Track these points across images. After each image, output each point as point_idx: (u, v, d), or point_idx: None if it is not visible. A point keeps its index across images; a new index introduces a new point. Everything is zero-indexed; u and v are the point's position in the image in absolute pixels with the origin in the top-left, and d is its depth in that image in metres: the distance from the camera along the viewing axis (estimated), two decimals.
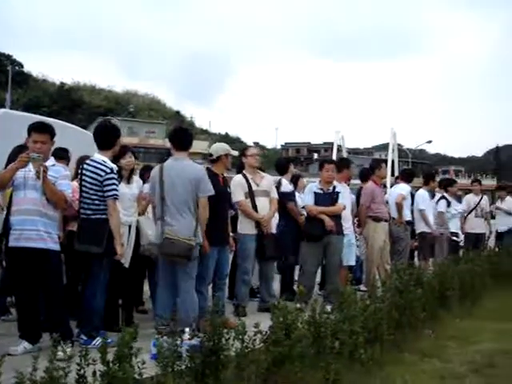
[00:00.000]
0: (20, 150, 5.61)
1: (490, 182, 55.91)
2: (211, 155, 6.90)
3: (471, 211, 12.39)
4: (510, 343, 6.01)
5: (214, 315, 4.04)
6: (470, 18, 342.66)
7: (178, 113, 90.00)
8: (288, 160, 9.21)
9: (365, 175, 9.82)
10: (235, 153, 7.16)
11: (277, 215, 8.01)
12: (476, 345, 5.94)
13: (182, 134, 6.21)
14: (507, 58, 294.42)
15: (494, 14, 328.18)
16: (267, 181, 7.61)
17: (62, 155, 6.27)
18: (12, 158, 5.69)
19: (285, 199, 8.39)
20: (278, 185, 8.50)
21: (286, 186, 8.48)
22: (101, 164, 5.52)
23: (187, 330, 4.72)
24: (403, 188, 9.91)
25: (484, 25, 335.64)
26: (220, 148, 6.97)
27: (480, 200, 12.58)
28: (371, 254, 8.99)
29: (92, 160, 5.62)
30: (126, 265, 5.98)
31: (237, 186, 7.25)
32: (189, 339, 4.15)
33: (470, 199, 12.66)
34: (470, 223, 12.32)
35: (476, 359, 5.39)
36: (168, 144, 6.34)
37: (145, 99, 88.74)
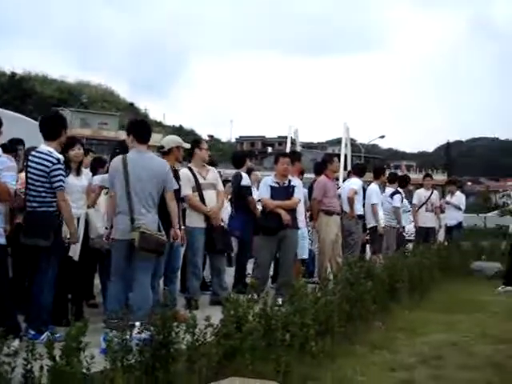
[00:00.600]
0: None
1: (440, 177, 57.01)
2: (162, 147, 6.84)
3: (422, 205, 12.59)
4: (457, 335, 6.16)
5: (164, 308, 4.01)
6: (425, 16, 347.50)
7: (131, 104, 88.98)
8: (244, 154, 9.22)
9: (319, 169, 9.90)
10: (187, 145, 7.08)
11: (229, 207, 7.99)
12: (424, 336, 6.05)
13: (142, 126, 6.09)
14: (459, 57, 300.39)
15: (449, 13, 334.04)
16: (213, 174, 7.59)
17: (11, 147, 6.13)
18: None
19: (245, 193, 8.42)
20: (239, 178, 8.50)
21: (246, 180, 8.49)
22: (47, 155, 5.39)
23: (138, 324, 4.66)
24: (355, 183, 10.01)
25: (438, 23, 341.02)
26: (171, 140, 6.92)
27: (430, 195, 12.79)
28: (323, 247, 9.07)
29: (38, 151, 5.49)
30: (75, 258, 5.88)
31: (184, 179, 7.18)
32: (138, 333, 4.09)
33: (421, 194, 12.85)
34: (420, 217, 12.52)
35: (424, 351, 5.49)
36: (121, 136, 6.24)
37: (98, 90, 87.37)
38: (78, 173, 6.15)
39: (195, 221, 7.34)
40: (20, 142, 6.50)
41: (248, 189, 8.47)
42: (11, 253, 5.93)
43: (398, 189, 11.34)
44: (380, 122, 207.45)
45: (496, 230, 21.03)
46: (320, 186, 9.23)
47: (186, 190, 7.20)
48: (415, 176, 41.99)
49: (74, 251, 5.82)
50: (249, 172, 9.33)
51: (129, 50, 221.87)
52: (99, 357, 3.60)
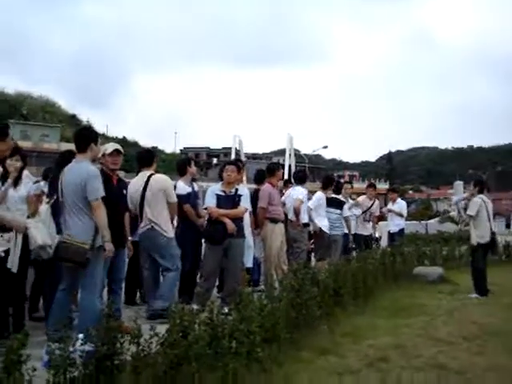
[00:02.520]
0: None
1: (383, 186, 58.09)
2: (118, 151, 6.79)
3: (362, 213, 12.79)
4: (402, 338, 6.26)
5: (108, 320, 3.94)
6: (366, 30, 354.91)
7: (73, 116, 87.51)
8: (185, 161, 9.05)
9: (260, 178, 9.93)
10: (114, 146, 6.94)
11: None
12: (370, 340, 6.11)
13: (79, 135, 5.93)
14: (398, 69, 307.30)
15: (388, 26, 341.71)
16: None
17: None
18: None
19: (180, 201, 8.33)
20: (174, 187, 8.41)
21: (182, 189, 8.37)
22: None
23: (81, 335, 4.56)
24: (301, 192, 10.08)
25: (379, 37, 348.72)
26: (109, 146, 6.90)
27: (372, 205, 13.01)
28: (269, 255, 9.08)
29: None
30: (14, 270, 5.72)
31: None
32: (82, 345, 4.01)
33: (363, 203, 13.06)
34: (359, 226, 12.75)
35: (370, 354, 5.55)
36: (63, 148, 6.13)
37: (39, 102, 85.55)
38: (16, 183, 5.98)
39: None
40: None
41: (184, 197, 8.35)
42: None
43: (341, 197, 11.51)
44: (323, 133, 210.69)
45: (437, 235, 21.53)
46: (265, 194, 9.24)
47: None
48: (358, 185, 42.70)
49: (12, 263, 5.67)
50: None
51: (70, 61, 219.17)
52: (42, 370, 3.51)
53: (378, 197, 13.72)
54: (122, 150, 6.82)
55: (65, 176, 5.59)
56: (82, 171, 5.62)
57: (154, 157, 7.81)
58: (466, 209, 9.98)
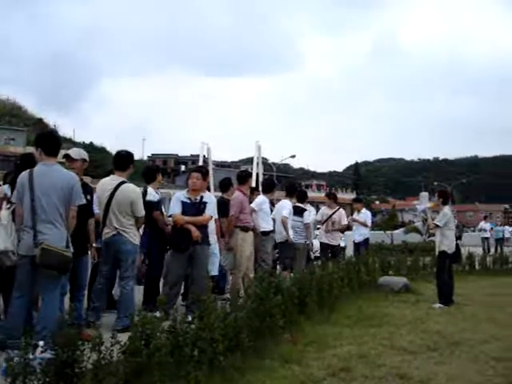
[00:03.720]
0: None
1: (350, 196, 58.49)
2: (67, 156, 6.64)
3: (323, 223, 12.87)
4: (366, 347, 6.26)
5: (68, 327, 3.87)
6: (332, 40, 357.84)
7: (40, 120, 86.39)
8: (156, 168, 9.01)
9: (225, 186, 9.91)
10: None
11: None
12: (334, 349, 6.10)
13: (51, 138, 5.84)
14: (364, 80, 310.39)
15: (354, 37, 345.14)
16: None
17: None
18: None
19: (150, 208, 8.26)
20: (144, 193, 8.35)
21: (152, 195, 8.33)
22: None
23: (41, 343, 4.48)
24: (285, 205, 10.31)
25: (344, 46, 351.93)
26: (80, 152, 6.80)
27: (332, 213, 13.08)
28: (240, 264, 9.03)
29: None
30: None
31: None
32: (41, 352, 3.93)
33: (323, 212, 13.15)
34: (322, 234, 12.82)
35: (333, 363, 5.54)
36: (29, 151, 5.98)
37: (5, 105, 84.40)
38: None
39: None
40: None
41: (154, 204, 8.30)
42: None
43: (302, 205, 11.58)
44: (292, 142, 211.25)
45: (402, 246, 21.76)
46: (237, 203, 9.21)
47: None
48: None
49: None
50: None
51: (36, 64, 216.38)
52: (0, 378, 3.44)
53: (340, 206, 13.79)
54: (72, 156, 6.67)
55: (39, 179, 5.43)
56: (66, 176, 5.60)
57: (131, 161, 7.49)
58: (433, 219, 10.07)
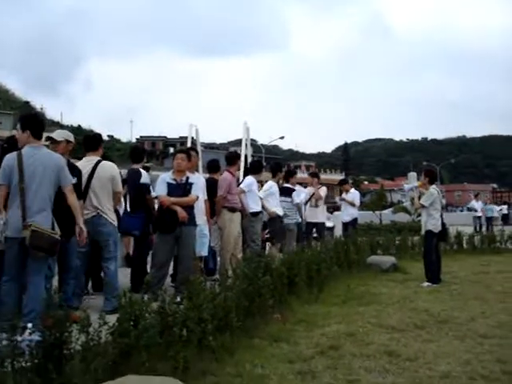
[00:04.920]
0: None
1: (339, 177, 58.62)
2: (50, 138, 6.57)
3: (307, 202, 12.91)
4: (354, 325, 6.31)
5: (57, 309, 3.86)
6: (322, 19, 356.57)
7: (27, 103, 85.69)
8: (143, 150, 9.00)
9: (213, 167, 9.90)
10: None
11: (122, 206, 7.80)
12: (323, 328, 6.15)
13: (37, 120, 5.80)
14: (354, 60, 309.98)
15: (344, 17, 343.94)
16: None
17: None
18: None
19: (144, 191, 8.28)
20: (139, 175, 8.33)
21: (145, 177, 8.34)
22: None
23: (30, 325, 4.46)
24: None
25: (335, 26, 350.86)
26: (63, 133, 6.74)
27: (313, 193, 13.15)
28: (227, 244, 9.07)
29: None
30: None
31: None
32: (29, 334, 3.92)
33: (309, 191, 13.20)
34: (307, 213, 12.86)
35: (322, 342, 5.58)
36: (17, 134, 5.88)
37: None
38: None
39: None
40: None
41: (147, 187, 8.32)
42: None
43: (286, 185, 11.64)
44: (280, 123, 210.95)
45: (391, 225, 21.85)
46: (225, 183, 9.22)
47: None
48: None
49: None
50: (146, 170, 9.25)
51: (22, 46, 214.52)
52: None
53: (328, 185, 13.96)
54: (55, 138, 6.60)
55: (28, 162, 5.38)
56: (54, 158, 5.60)
57: (101, 141, 7.64)
58: (420, 198, 10.08)
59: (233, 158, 9.81)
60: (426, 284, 9.42)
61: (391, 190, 68.41)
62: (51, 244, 5.33)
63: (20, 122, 5.72)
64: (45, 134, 6.18)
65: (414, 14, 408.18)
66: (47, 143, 6.41)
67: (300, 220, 11.97)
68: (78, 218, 5.76)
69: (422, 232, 10.07)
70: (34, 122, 5.69)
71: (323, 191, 13.49)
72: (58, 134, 6.64)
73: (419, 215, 10.37)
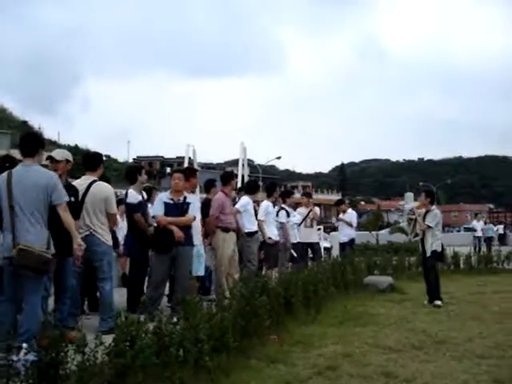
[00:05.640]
0: None
1: (335, 197, 58.59)
2: (50, 158, 6.57)
3: (301, 222, 12.92)
4: (352, 346, 6.28)
5: (52, 329, 3.85)
6: (318, 42, 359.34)
7: (25, 122, 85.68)
8: (134, 169, 8.87)
9: (210, 187, 9.92)
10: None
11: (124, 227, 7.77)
12: (320, 349, 6.12)
13: (28, 138, 5.76)
14: (350, 81, 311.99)
15: (338, 38, 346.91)
16: None
17: None
18: None
19: (130, 210, 8.23)
20: (126, 195, 8.34)
21: (133, 197, 8.26)
22: None
23: (25, 345, 4.43)
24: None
25: (331, 49, 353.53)
26: (63, 152, 6.74)
27: (308, 212, 13.15)
28: (221, 264, 9.04)
29: None
30: None
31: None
32: (25, 354, 3.89)
33: (301, 212, 13.22)
34: (302, 234, 12.85)
35: (319, 363, 5.55)
36: (14, 154, 5.90)
37: None
38: None
39: None
40: None
41: (135, 206, 8.25)
42: None
43: (283, 205, 11.67)
44: (277, 144, 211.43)
45: (388, 246, 21.83)
46: (218, 203, 9.21)
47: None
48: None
49: None
50: (150, 191, 9.29)
51: (20, 65, 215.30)
52: None
53: (321, 205, 14.05)
54: (55, 157, 6.58)
55: (18, 180, 5.35)
56: (45, 175, 5.52)
57: (100, 161, 7.54)
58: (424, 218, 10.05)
59: (227, 178, 9.81)
60: (438, 302, 9.42)
61: (388, 211, 68.38)
62: (39, 263, 5.22)
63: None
64: (45, 154, 6.19)
65: (408, 35, 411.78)
66: (47, 163, 6.41)
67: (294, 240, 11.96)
68: (74, 236, 5.69)
69: (428, 253, 9.95)
70: (22, 141, 5.66)
71: (316, 211, 13.54)
72: (58, 154, 6.64)
73: (416, 235, 10.32)
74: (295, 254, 12.00)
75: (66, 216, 5.54)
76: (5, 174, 5.43)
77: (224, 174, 10.40)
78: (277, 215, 11.32)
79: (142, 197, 8.47)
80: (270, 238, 10.46)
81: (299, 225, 12.77)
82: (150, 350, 4.12)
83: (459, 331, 7.19)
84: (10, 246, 5.22)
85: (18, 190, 5.31)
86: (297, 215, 12.60)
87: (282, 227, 11.36)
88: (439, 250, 9.89)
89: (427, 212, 10.06)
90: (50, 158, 6.51)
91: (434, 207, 10.16)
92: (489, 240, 29.88)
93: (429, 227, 9.89)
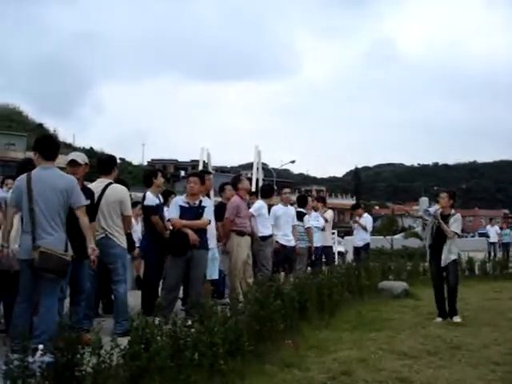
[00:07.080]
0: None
1: (350, 202, 58.44)
2: (72, 161, 6.57)
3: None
4: (366, 351, 6.26)
5: (68, 331, 3.86)
6: (331, 46, 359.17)
7: (40, 125, 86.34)
8: (151, 172, 8.90)
9: (221, 190, 9.95)
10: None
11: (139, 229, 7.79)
12: (334, 354, 6.10)
13: (48, 142, 5.83)
14: (365, 87, 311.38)
15: (352, 43, 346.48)
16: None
17: None
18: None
19: (148, 213, 8.27)
20: (143, 198, 8.38)
21: (151, 200, 8.30)
22: None
23: (41, 346, 4.46)
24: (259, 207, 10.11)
25: (342, 51, 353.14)
26: (83, 156, 6.76)
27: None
28: (235, 268, 9.03)
29: None
30: None
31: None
32: (41, 355, 3.92)
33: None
34: (315, 237, 12.81)
35: (333, 367, 5.54)
36: (30, 156, 5.94)
37: (5, 110, 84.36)
38: None
39: None
40: None
41: (152, 209, 8.30)
42: None
43: (299, 209, 11.66)
44: (291, 148, 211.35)
45: (402, 251, 21.74)
46: (233, 206, 9.21)
47: None
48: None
49: None
50: (167, 194, 9.32)
51: (35, 69, 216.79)
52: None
53: (329, 208, 14.06)
54: (78, 161, 6.61)
55: (37, 182, 5.40)
56: (65, 179, 5.60)
57: (115, 164, 7.59)
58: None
59: (237, 181, 9.80)
60: (459, 319, 8.58)
61: (402, 215, 68.08)
62: (60, 265, 5.30)
63: (33, 144, 5.81)
64: (63, 157, 6.24)
65: (421, 39, 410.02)
66: (64, 166, 6.44)
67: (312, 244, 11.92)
68: (88, 240, 5.71)
69: (444, 263, 8.81)
70: (42, 144, 5.73)
71: (329, 215, 13.52)
72: (79, 157, 6.65)
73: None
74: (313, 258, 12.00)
75: (84, 219, 5.60)
76: (24, 176, 5.47)
77: (232, 178, 10.39)
78: (301, 220, 11.31)
79: (159, 200, 8.49)
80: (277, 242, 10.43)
81: (322, 229, 12.77)
82: (165, 352, 4.13)
83: (474, 337, 7.15)
84: (29, 248, 5.26)
85: (37, 193, 5.36)
86: (320, 219, 12.60)
87: (305, 232, 11.40)
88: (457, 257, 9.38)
89: (448, 216, 8.92)
90: (73, 161, 6.52)
91: (457, 213, 9.15)
92: (505, 246, 29.09)
93: (456, 234, 8.88)
